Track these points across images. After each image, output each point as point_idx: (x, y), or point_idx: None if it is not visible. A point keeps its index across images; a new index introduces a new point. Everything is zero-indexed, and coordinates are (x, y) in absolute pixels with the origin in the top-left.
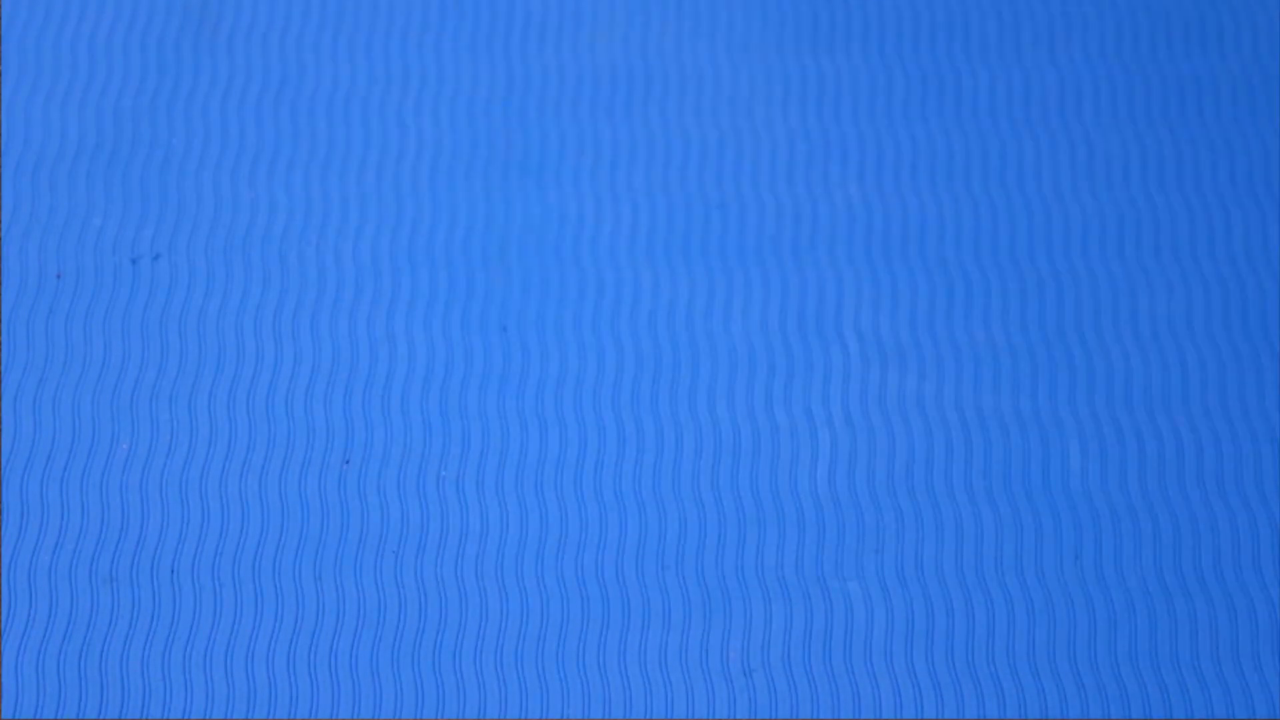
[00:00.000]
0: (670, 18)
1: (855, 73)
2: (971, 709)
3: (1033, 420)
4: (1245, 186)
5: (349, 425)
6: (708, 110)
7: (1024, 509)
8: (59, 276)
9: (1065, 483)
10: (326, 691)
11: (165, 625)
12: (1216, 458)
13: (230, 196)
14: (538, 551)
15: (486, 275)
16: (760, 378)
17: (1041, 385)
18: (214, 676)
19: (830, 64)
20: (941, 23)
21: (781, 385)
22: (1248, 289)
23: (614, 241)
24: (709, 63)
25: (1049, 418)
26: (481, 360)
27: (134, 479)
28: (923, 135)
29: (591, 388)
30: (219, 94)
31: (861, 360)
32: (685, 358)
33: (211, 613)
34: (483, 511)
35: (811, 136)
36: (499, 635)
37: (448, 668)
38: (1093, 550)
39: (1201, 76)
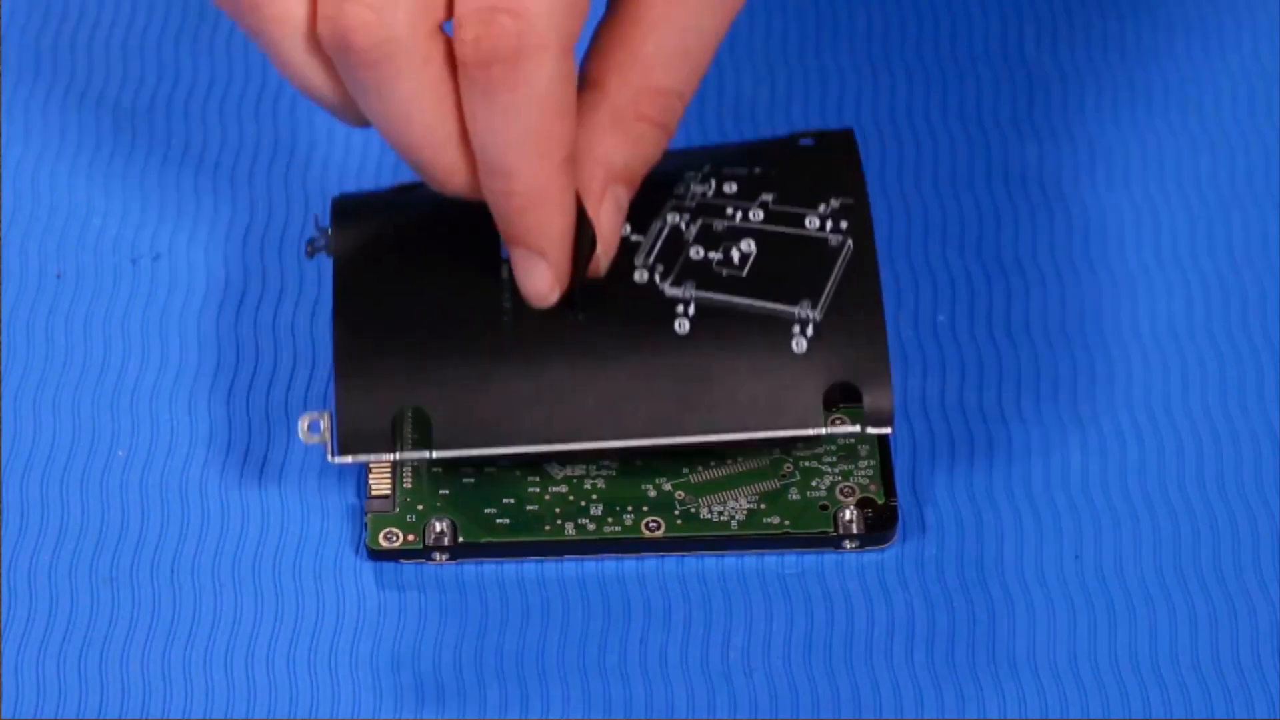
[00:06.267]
0: None
1: (858, 73)
2: (972, 709)
3: (1033, 420)
4: (1245, 186)
5: None
6: (709, 111)
7: (1024, 509)
8: (59, 276)
9: (1065, 483)
10: (327, 691)
11: (165, 625)
12: (1216, 458)
13: (230, 196)
14: None
15: None
16: None
17: (1042, 385)
18: (214, 676)
19: (833, 63)
20: (944, 23)
21: None
22: (1248, 289)
23: None
24: (709, 63)
25: (1049, 418)
26: None
27: (134, 479)
28: (926, 135)
29: None
30: (219, 94)
31: None
32: None
33: (211, 613)
34: None
35: None
36: (499, 635)
37: (448, 668)
38: (1093, 550)
39: (1202, 76)
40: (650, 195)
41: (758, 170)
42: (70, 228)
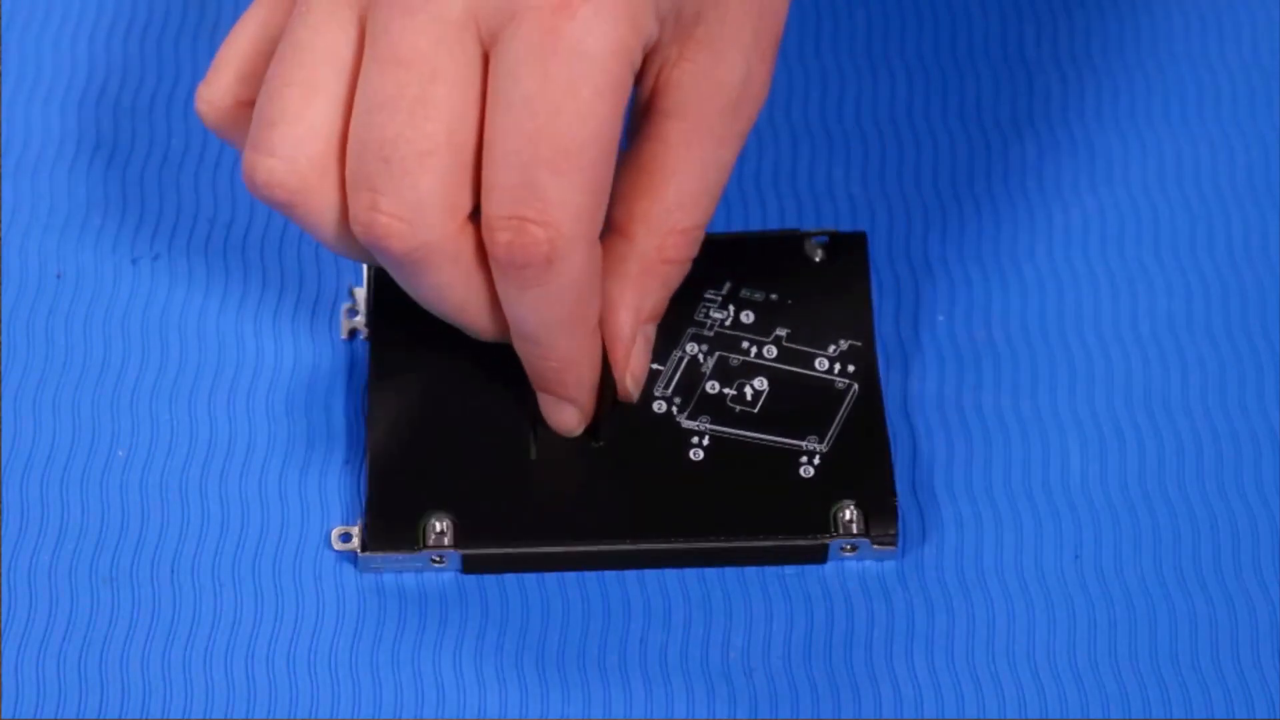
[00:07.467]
0: None
1: (858, 73)
2: (972, 709)
3: (1033, 420)
4: (1245, 186)
5: (349, 426)
6: None
7: (1024, 509)
8: (59, 276)
9: (1065, 483)
10: (326, 691)
11: (165, 625)
12: (1216, 458)
13: (230, 196)
14: None
15: None
16: None
17: (1041, 385)
18: (214, 676)
19: (833, 63)
20: (944, 23)
21: None
22: (1248, 289)
23: None
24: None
25: (1049, 418)
26: None
27: (134, 479)
28: (926, 135)
29: None
30: None
31: None
32: None
33: (211, 613)
34: None
35: (815, 137)
36: (500, 635)
37: (448, 667)
38: (1093, 550)
39: (1202, 76)
40: (671, 315)
41: (774, 297)
42: (70, 228)
